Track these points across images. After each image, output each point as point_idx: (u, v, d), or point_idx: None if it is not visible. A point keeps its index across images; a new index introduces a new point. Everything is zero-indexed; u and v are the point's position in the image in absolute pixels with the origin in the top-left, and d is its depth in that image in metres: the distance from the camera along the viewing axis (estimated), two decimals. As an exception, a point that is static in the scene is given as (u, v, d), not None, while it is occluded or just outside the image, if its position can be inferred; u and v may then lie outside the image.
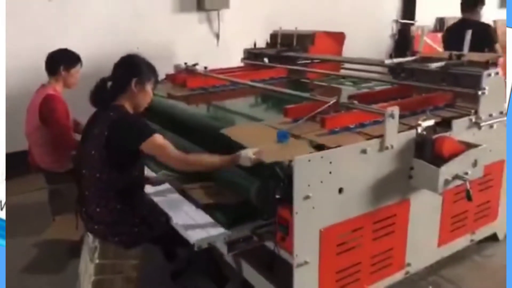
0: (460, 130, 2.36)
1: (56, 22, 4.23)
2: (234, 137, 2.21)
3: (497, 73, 2.43)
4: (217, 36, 5.15)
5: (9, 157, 3.98)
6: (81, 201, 2.02)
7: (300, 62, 3.90)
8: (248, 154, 1.94)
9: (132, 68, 2.03)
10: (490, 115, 2.50)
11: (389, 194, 2.17)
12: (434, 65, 2.62)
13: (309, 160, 1.83)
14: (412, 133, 2.15)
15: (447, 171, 2.07)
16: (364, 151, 1.99)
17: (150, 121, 3.18)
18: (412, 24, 6.78)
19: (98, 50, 4.38)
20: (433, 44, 3.14)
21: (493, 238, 2.89)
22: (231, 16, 5.11)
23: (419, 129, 2.16)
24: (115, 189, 1.90)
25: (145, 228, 1.97)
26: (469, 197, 2.15)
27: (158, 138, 1.90)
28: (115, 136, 1.87)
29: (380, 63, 2.97)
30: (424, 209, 2.36)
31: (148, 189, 2.29)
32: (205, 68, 3.66)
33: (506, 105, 2.53)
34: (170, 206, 2.17)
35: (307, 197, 1.85)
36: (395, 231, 2.26)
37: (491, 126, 2.53)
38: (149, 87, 2.07)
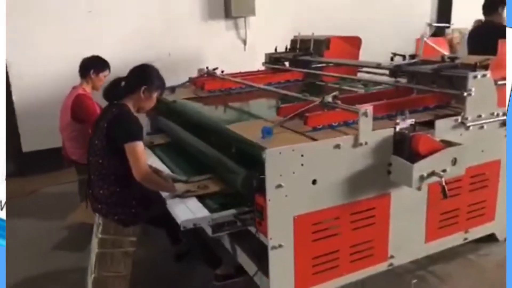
0: (444, 130, 2.45)
1: (95, 31, 4.70)
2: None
3: (484, 75, 2.49)
4: (244, 41, 5.43)
5: (50, 152, 4.43)
6: (88, 184, 2.35)
7: (314, 65, 4.08)
8: (181, 189, 2.33)
9: (144, 77, 2.35)
10: (479, 116, 2.56)
11: (366, 187, 2.31)
12: (425, 67, 2.72)
13: (280, 153, 2.03)
14: (390, 131, 2.29)
15: (421, 167, 2.18)
16: (337, 146, 2.16)
17: (170, 119, 3.55)
18: (448, 27, 6.70)
19: (131, 56, 4.78)
20: (438, 47, 3.20)
21: (493, 238, 2.91)
22: (258, 23, 5.38)
23: (397, 127, 2.30)
24: (115, 173, 2.21)
25: (141, 209, 2.27)
26: (444, 194, 2.24)
27: (139, 146, 2.16)
28: (111, 130, 2.18)
29: (378, 66, 3.10)
30: (407, 204, 2.47)
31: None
32: (222, 72, 3.94)
33: (496, 105, 2.61)
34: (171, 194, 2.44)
35: (279, 186, 2.05)
36: (375, 223, 2.40)
37: (481, 127, 2.59)
38: (155, 95, 2.39)
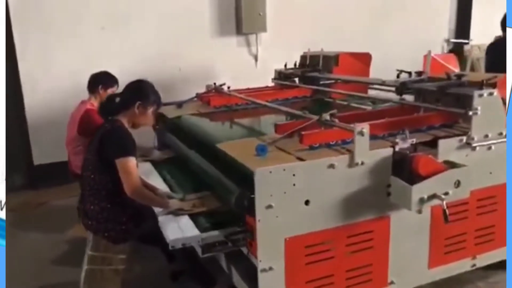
0: (448, 151, 2.34)
1: (108, 47, 4.78)
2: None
3: (491, 93, 2.38)
4: (256, 57, 5.43)
5: (61, 164, 4.44)
6: (81, 200, 2.34)
7: (322, 82, 4.02)
8: (174, 206, 2.30)
9: (138, 92, 2.36)
10: (486, 136, 2.44)
11: (364, 209, 2.22)
12: (430, 85, 2.63)
13: (271, 172, 1.97)
14: (388, 151, 2.20)
15: (421, 189, 2.09)
16: (331, 166, 2.09)
17: (174, 135, 3.54)
18: (466, 43, 6.55)
19: (142, 71, 4.82)
20: (447, 64, 3.11)
21: (503, 265, 2.75)
22: (269, 39, 5.37)
23: (397, 147, 2.21)
24: (106, 189, 2.20)
25: (132, 226, 2.24)
26: (445, 218, 2.13)
27: (131, 162, 2.16)
28: (103, 145, 2.17)
29: (382, 83, 3.02)
30: (409, 227, 2.36)
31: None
32: (228, 88, 3.92)
33: (505, 125, 2.49)
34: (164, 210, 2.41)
35: (269, 206, 1.99)
36: (373, 247, 2.30)
37: (489, 147, 2.47)
38: (150, 110, 2.38)
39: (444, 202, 2.12)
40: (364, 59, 4.16)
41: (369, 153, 2.15)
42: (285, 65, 4.51)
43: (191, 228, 2.19)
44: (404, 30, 6.04)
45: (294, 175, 2.02)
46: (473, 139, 2.40)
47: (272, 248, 2.05)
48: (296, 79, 4.41)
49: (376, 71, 4.17)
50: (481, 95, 2.36)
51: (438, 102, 2.62)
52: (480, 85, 2.44)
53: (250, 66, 5.44)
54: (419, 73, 2.96)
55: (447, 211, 2.12)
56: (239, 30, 5.24)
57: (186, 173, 3.04)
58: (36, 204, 4.36)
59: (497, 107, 2.43)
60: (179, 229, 2.19)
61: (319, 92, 4.01)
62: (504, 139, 2.49)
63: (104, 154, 2.18)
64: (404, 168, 2.19)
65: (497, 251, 2.69)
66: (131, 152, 2.17)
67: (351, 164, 2.12)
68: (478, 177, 2.47)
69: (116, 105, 2.35)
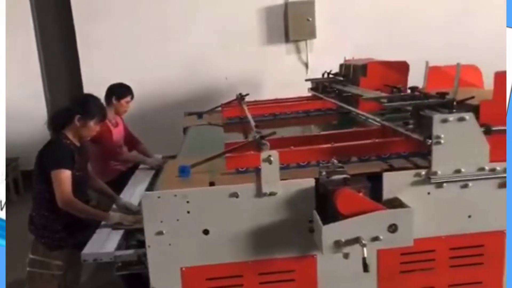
0: (397, 186, 1.95)
1: (158, 57, 5.08)
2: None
3: (462, 119, 1.90)
4: (306, 65, 5.19)
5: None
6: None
7: (345, 94, 3.67)
8: (114, 219, 2.27)
9: (79, 106, 2.48)
10: (458, 172, 1.95)
11: (281, 245, 1.97)
12: (406, 104, 2.21)
13: (159, 197, 1.88)
14: (308, 182, 1.92)
15: (335, 230, 1.77)
16: (234, 195, 1.90)
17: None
18: None
19: (189, 81, 5.06)
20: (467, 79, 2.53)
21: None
22: (320, 46, 5.08)
23: (321, 178, 1.92)
24: (44, 198, 2.36)
25: (66, 235, 2.36)
26: (365, 268, 1.77)
27: (63, 173, 2.26)
28: (39, 157, 2.33)
29: (376, 99, 2.63)
30: (344, 273, 2.01)
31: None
32: (243, 98, 3.85)
33: (486, 159, 1.96)
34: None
35: (160, 233, 1.90)
36: (296, 289, 2.03)
37: (464, 185, 1.97)
38: (91, 123, 2.47)
39: (365, 249, 1.76)
40: (399, 68, 3.66)
41: (280, 183, 1.90)
42: (323, 75, 4.25)
43: (110, 243, 2.22)
44: (487, 36, 5.12)
45: (188, 202, 1.90)
46: (435, 173, 1.94)
47: (166, 276, 1.95)
48: (337, 90, 4.12)
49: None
50: (445, 120, 1.90)
51: (407, 124, 2.19)
52: (450, 107, 1.97)
53: (300, 74, 5.21)
54: (412, 89, 2.51)
55: (366, 259, 1.76)
56: (288, 37, 5.08)
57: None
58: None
59: (474, 137, 1.93)
60: (101, 244, 2.23)
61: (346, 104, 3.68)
62: (488, 176, 1.97)
63: (42, 166, 2.34)
64: (328, 204, 1.89)
65: (486, 315, 2.13)
66: (64, 165, 2.28)
67: (259, 194, 1.90)
68: (448, 221, 2.00)
69: (61, 120, 2.49)
